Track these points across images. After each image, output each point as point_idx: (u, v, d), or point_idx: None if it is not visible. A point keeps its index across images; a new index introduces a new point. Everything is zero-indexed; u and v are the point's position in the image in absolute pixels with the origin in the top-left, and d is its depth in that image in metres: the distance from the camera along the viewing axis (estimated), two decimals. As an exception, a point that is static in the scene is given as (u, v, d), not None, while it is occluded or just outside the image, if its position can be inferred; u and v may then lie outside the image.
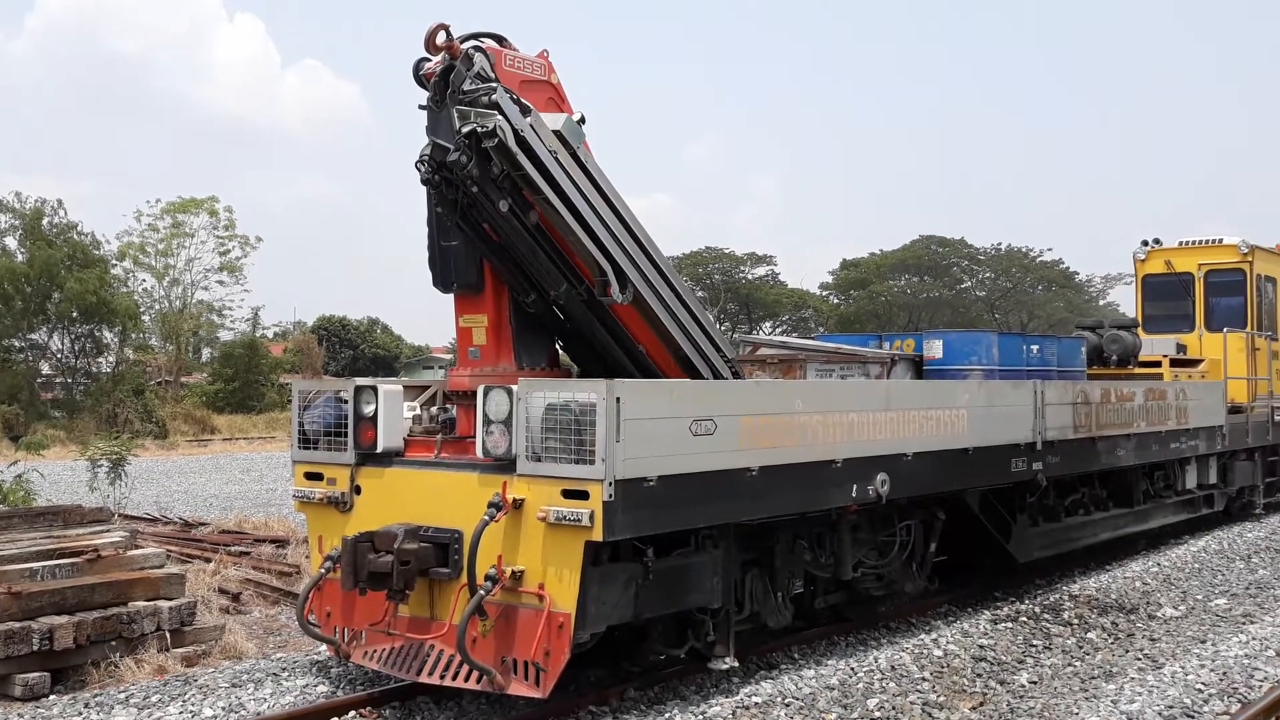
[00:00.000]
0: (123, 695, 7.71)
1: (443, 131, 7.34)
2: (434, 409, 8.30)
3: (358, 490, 7.86)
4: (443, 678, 7.06)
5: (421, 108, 7.60)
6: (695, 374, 8.18)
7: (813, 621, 9.45)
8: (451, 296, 8.03)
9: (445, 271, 7.91)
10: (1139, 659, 8.88)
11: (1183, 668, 8.52)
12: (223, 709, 7.49)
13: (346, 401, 7.92)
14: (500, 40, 7.75)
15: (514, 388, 6.95)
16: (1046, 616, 10.27)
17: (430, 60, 7.56)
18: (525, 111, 7.30)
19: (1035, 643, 9.36)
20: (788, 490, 7.84)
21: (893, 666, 8.44)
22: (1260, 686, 8.01)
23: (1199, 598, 11.26)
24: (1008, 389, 10.45)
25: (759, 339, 12.87)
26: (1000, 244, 73.94)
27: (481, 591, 6.75)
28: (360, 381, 8.00)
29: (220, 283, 58.65)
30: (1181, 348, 16.68)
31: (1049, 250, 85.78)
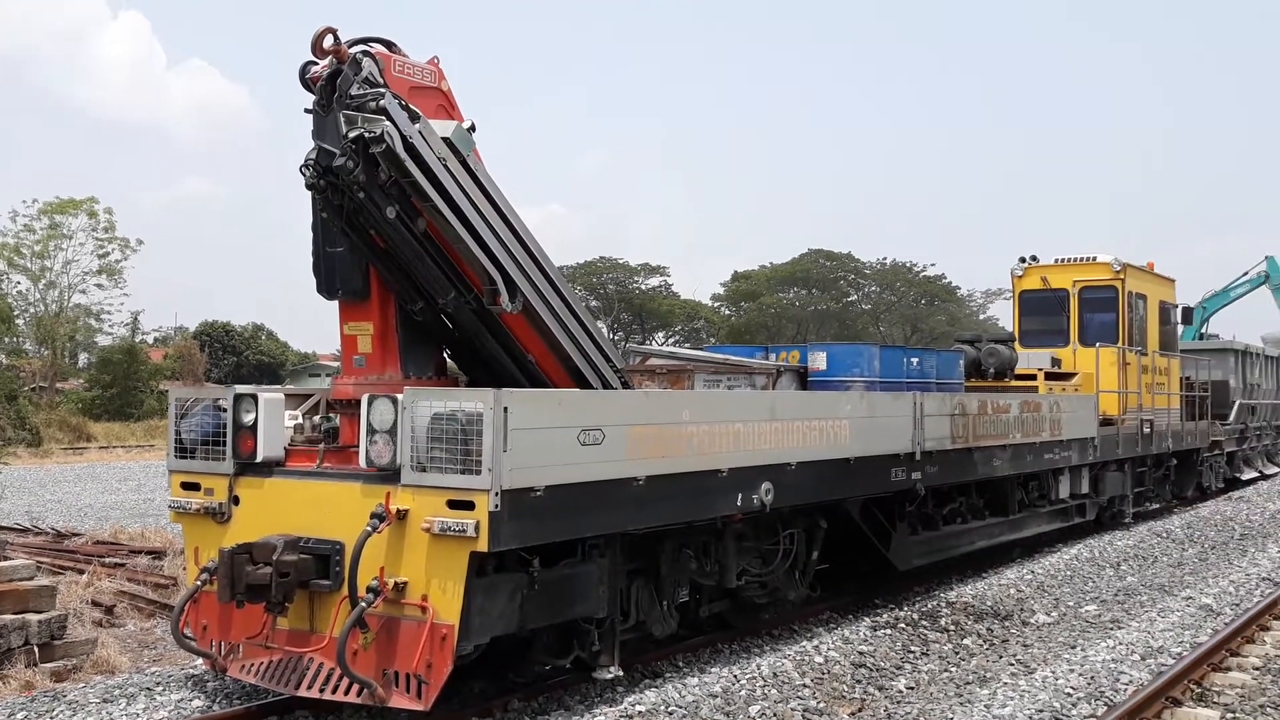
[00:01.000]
0: (-15, 713, 7.40)
1: (329, 136, 7.22)
2: (317, 418, 8.14)
3: (236, 501, 7.68)
4: (322, 691, 6.93)
5: (308, 111, 7.47)
6: (585, 384, 8.17)
7: (698, 630, 9.50)
8: (336, 303, 7.90)
9: (330, 278, 7.78)
10: (1012, 664, 9.12)
11: (1053, 672, 8.77)
12: (92, 726, 7.23)
13: (225, 410, 7.74)
14: (390, 46, 7.65)
15: (399, 396, 6.87)
16: (924, 623, 10.48)
17: (317, 64, 7.43)
18: (414, 118, 7.22)
19: (913, 649, 9.55)
20: (674, 499, 7.88)
21: (775, 673, 8.53)
22: (1126, 690, 8.29)
23: (1070, 604, 11.60)
24: (888, 400, 10.66)
25: (649, 349, 12.93)
26: (886, 259, 75.70)
27: (363, 603, 6.64)
28: (240, 389, 7.82)
29: (99, 286, 56.71)
30: (1056, 361, 17.20)
31: (932, 265, 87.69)
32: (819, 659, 9.02)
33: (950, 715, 7.67)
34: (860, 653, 9.27)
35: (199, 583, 7.48)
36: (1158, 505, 19.89)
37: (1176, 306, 20.38)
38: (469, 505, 6.50)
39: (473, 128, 7.71)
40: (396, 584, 6.71)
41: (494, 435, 6.45)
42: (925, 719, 7.61)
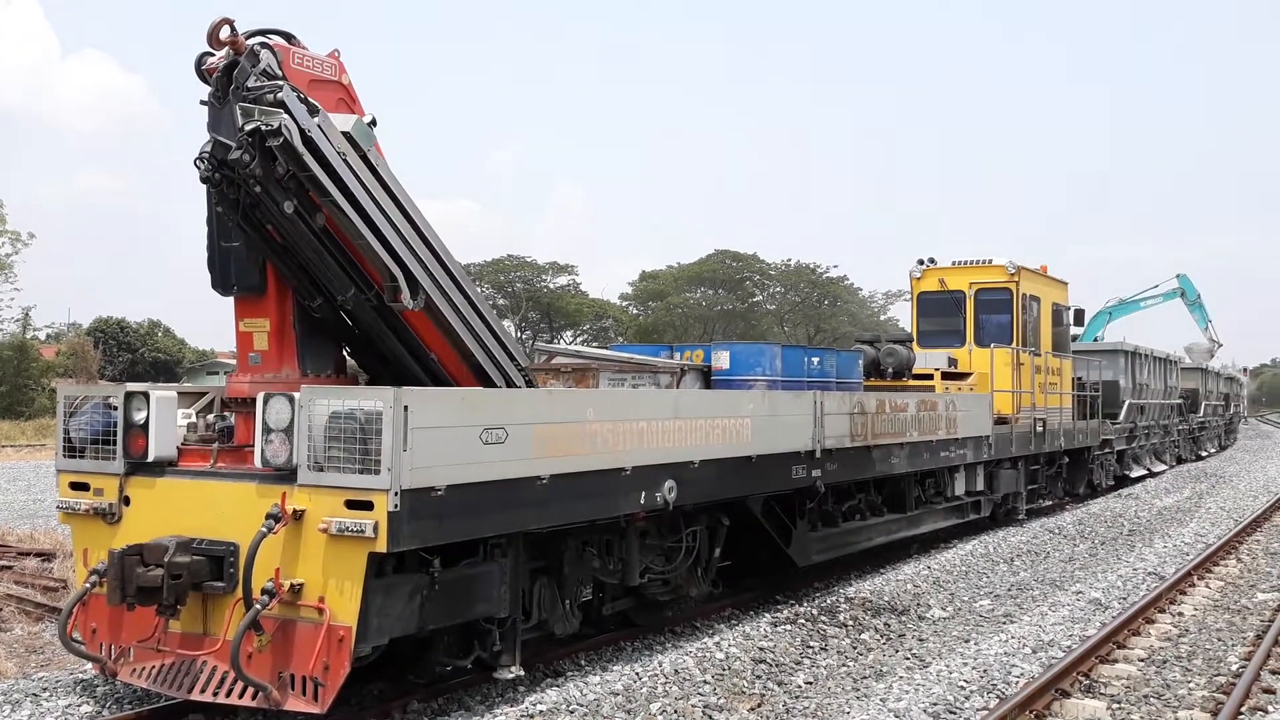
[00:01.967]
0: None
1: (225, 128, 7.04)
2: (211, 416, 7.94)
3: (126, 501, 7.47)
4: (216, 695, 6.77)
5: (203, 103, 7.28)
6: (488, 382, 8.10)
7: (601, 628, 9.48)
8: (232, 299, 7.71)
9: (225, 273, 7.59)
10: (908, 658, 9.26)
11: (947, 666, 8.93)
12: (-28, 735, 6.96)
13: (116, 408, 7.53)
14: (289, 38, 7.49)
15: (296, 395, 6.73)
16: (824, 618, 10.60)
17: (214, 55, 7.25)
18: (313, 111, 7.08)
19: (812, 644, 9.64)
20: (578, 498, 7.85)
21: (676, 670, 8.55)
22: (1017, 682, 8.46)
23: (965, 599, 11.83)
24: (789, 399, 10.76)
25: (554, 348, 12.88)
26: (790, 260, 76.51)
27: (258, 605, 6.49)
28: (131, 387, 7.60)
29: (-11, 281, 54.76)
30: (953, 361, 17.53)
31: (835, 267, 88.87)
32: (720, 655, 9.06)
33: (847, 710, 7.75)
34: (761, 648, 9.34)
35: (88, 585, 7.25)
36: (1050, 502, 20.40)
37: (1069, 308, 20.90)
38: (368, 505, 6.40)
39: (374, 122, 7.58)
40: (293, 585, 6.57)
41: (394, 434, 6.36)
42: (822, 713, 7.69)
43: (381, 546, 6.37)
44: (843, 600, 11.46)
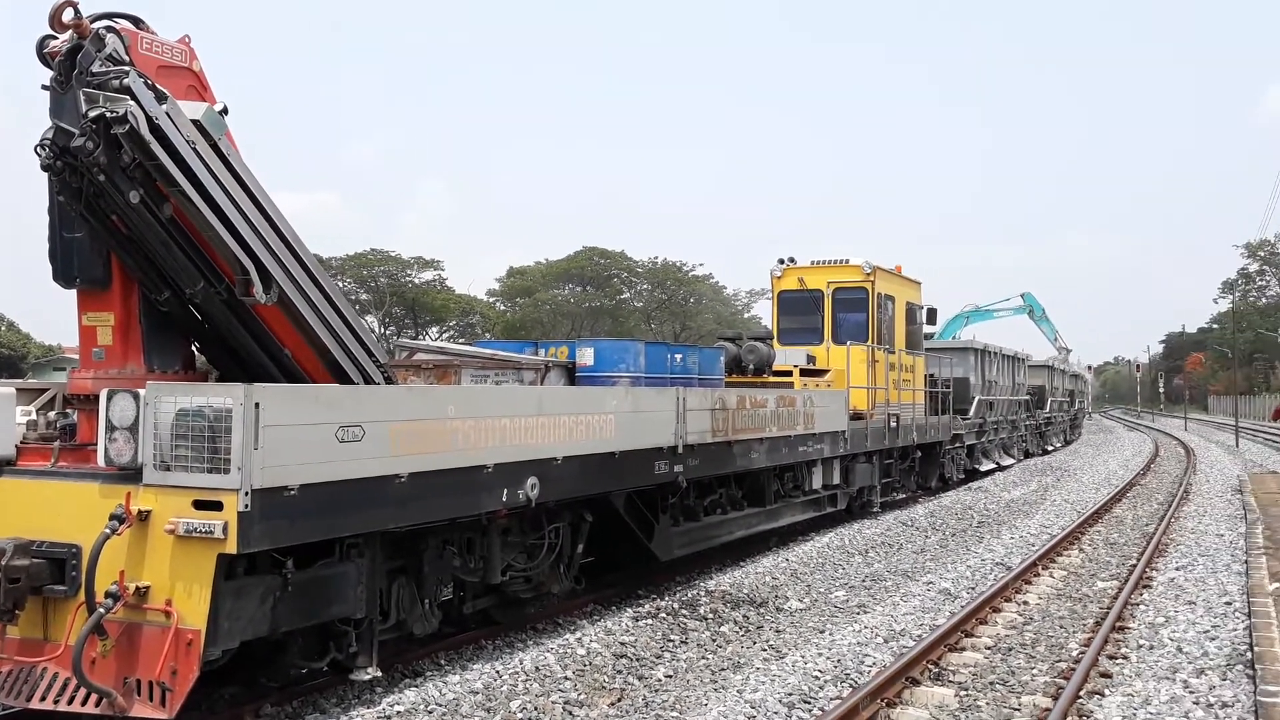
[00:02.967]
0: None
1: (67, 115, 6.75)
2: (53, 414, 7.60)
3: (-40, 502, 7.07)
4: (57, 702, 6.47)
5: (45, 88, 6.96)
6: (345, 379, 7.92)
7: (462, 627, 9.39)
8: (75, 292, 7.39)
9: (67, 265, 7.26)
10: (765, 650, 9.39)
11: (803, 656, 9.08)
12: None
13: (-52, 405, 7.12)
14: (137, 22, 7.20)
15: (141, 391, 6.48)
16: (684, 612, 10.69)
17: (57, 38, 6.93)
18: (161, 98, 6.82)
19: (673, 638, 9.71)
20: (438, 496, 7.74)
21: (537, 667, 8.50)
22: (869, 671, 8.65)
23: (821, 590, 12.06)
24: (653, 395, 10.81)
25: (415, 344, 12.70)
26: (657, 258, 76.96)
27: (101, 609, 6.23)
28: (-35, 383, 7.21)
29: None
30: (811, 358, 17.87)
31: (700, 265, 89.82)
32: (581, 651, 9.05)
33: (704, 702, 7.82)
34: (622, 643, 9.36)
35: (-85, 592, 6.84)
36: (904, 495, 20.98)
37: (922, 307, 21.48)
38: (217, 505, 6.20)
39: (225, 110, 7.34)
40: (138, 588, 6.32)
41: (244, 432, 6.17)
42: (681, 706, 7.74)
43: (231, 548, 6.17)
44: (703, 593, 11.57)
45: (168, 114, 6.78)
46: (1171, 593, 11.89)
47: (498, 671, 8.35)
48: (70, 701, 6.43)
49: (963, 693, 8.22)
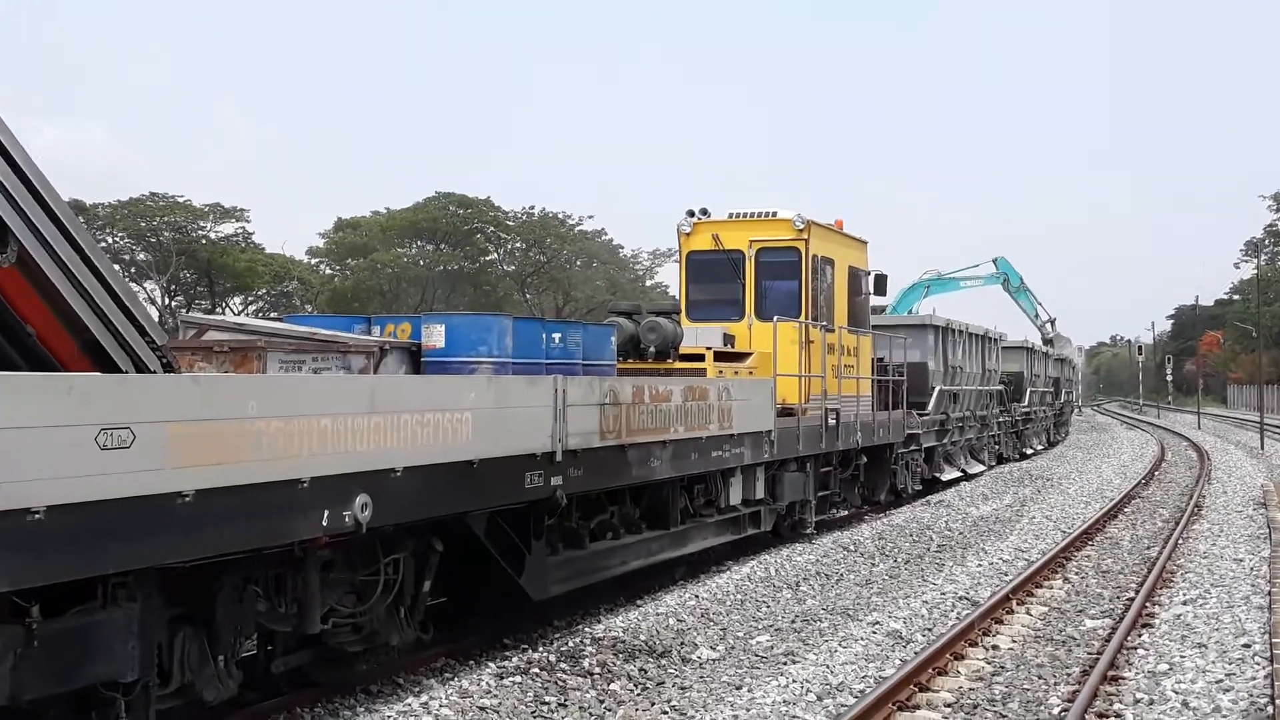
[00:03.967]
0: None
1: None
2: None
3: None
4: None
5: None
6: (110, 365, 7.79)
7: (270, 690, 9.32)
8: None
9: None
10: (666, 712, 9.47)
11: (715, 720, 9.18)
12: None
13: None
14: None
15: None
16: (564, 666, 10.71)
17: None
18: None
19: (548, 700, 9.73)
20: (236, 520, 7.65)
21: (370, 743, 8.46)
22: (798, 737, 8.78)
23: (740, 635, 12.19)
24: (523, 386, 10.79)
25: (206, 319, 12.46)
26: (534, 208, 76.66)
27: None
28: None
29: None
30: (729, 338, 17.96)
31: (590, 218, 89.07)
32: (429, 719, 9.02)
33: (589, 782, 7.86)
34: (481, 709, 9.36)
35: None
36: (845, 512, 21.32)
37: (869, 273, 21.62)
38: (-69, 534, 6.02)
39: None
40: None
41: (-31, 437, 6.01)
42: (558, 789, 7.76)
43: (-48, 591, 6.01)
44: (589, 641, 11.61)
45: None
46: (1177, 633, 12.27)
47: (317, 748, 8.28)
48: None
49: (916, 763, 8.38)
